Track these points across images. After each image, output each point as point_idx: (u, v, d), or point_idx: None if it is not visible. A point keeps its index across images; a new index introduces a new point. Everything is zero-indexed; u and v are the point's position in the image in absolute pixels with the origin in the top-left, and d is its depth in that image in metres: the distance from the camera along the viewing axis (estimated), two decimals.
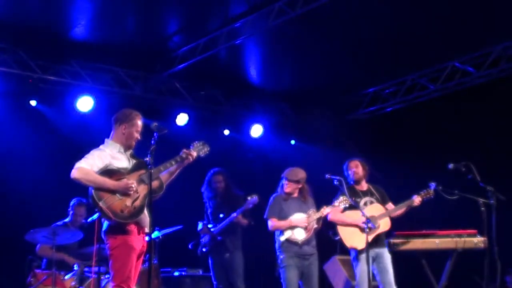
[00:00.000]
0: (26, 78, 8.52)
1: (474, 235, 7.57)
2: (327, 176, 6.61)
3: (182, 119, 9.85)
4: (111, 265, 5.00)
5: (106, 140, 5.27)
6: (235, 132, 10.62)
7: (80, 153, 5.09)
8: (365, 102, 10.53)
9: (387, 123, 10.45)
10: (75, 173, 4.92)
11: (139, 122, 5.26)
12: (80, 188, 5.06)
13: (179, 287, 8.20)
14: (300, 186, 7.04)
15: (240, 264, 7.76)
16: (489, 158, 8.50)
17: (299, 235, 6.86)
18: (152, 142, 5.05)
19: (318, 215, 6.89)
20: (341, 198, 6.85)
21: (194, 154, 5.41)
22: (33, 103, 8.84)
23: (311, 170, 7.19)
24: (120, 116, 5.27)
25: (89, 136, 6.87)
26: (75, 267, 7.07)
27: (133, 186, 4.99)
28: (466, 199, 6.78)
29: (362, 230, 6.70)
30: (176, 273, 8.27)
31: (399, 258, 7.11)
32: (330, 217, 6.96)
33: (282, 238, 6.88)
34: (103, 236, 5.10)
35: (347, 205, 6.86)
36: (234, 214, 7.68)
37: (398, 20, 7.95)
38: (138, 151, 5.30)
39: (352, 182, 7.11)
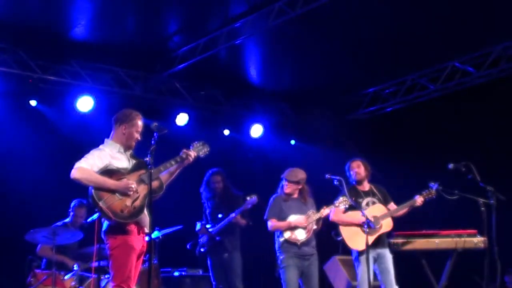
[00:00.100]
0: (26, 78, 8.52)
1: (474, 235, 7.57)
2: (327, 176, 6.61)
3: (182, 119, 9.85)
4: (111, 265, 5.00)
5: (106, 140, 5.27)
6: (235, 132, 10.62)
7: (80, 153, 5.09)
8: (365, 102, 10.53)
9: (387, 123, 10.45)
10: (75, 173, 4.92)
11: (139, 122, 5.26)
12: (80, 188, 5.06)
13: (179, 287, 8.20)
14: (300, 186, 7.04)
15: (238, 264, 7.76)
16: (489, 158, 8.50)
17: (299, 235, 6.86)
18: (152, 142, 5.06)
19: (317, 216, 6.89)
20: (341, 198, 6.84)
21: (194, 154, 5.41)
22: (33, 103, 8.84)
23: (311, 170, 7.19)
24: (120, 116, 5.28)
25: (89, 136, 6.88)
26: (75, 267, 7.07)
27: (133, 186, 4.99)
28: (466, 199, 6.78)
29: (364, 230, 6.71)
30: (176, 273, 8.27)
31: (399, 258, 7.11)
32: (331, 217, 6.96)
33: (282, 239, 6.89)
34: (103, 236, 5.10)
35: (347, 206, 6.85)
36: (233, 215, 7.68)
37: (398, 20, 7.95)
38: (138, 151, 5.30)
39: (354, 183, 7.11)
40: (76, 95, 8.94)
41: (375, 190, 7.11)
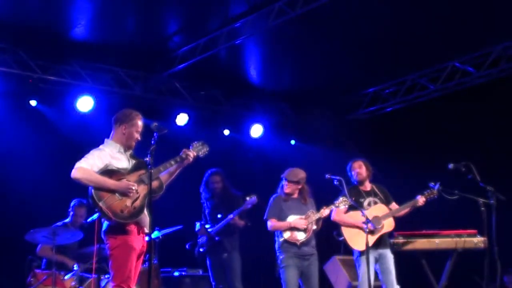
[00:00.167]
0: (26, 78, 8.52)
1: (474, 235, 7.57)
2: (327, 176, 6.61)
3: (182, 119, 9.85)
4: (111, 265, 5.00)
5: (106, 140, 5.27)
6: (235, 132, 10.61)
7: (80, 153, 5.09)
8: (365, 102, 10.53)
9: (387, 123, 10.44)
10: (75, 173, 4.92)
11: (139, 122, 5.26)
12: (80, 188, 5.06)
13: (179, 287, 8.20)
14: (300, 186, 7.04)
15: (237, 264, 7.76)
16: (489, 158, 8.50)
17: (299, 235, 6.86)
18: (152, 142, 5.06)
19: (317, 216, 6.89)
20: (341, 198, 6.84)
21: (194, 154, 5.41)
22: (33, 103, 8.84)
23: (311, 170, 7.19)
24: (120, 116, 5.28)
25: (89, 136, 6.87)
26: (75, 267, 7.07)
27: (133, 186, 4.99)
28: (466, 199, 6.78)
29: (368, 230, 6.71)
30: (176, 273, 8.28)
31: (399, 258, 7.11)
32: (333, 218, 6.97)
33: (282, 239, 6.89)
34: (103, 236, 5.10)
35: (347, 206, 6.86)
36: (231, 216, 7.68)
37: (398, 20, 7.95)
38: (138, 151, 5.30)
39: (355, 183, 7.11)
40: (76, 95, 8.94)
41: (376, 190, 7.11)
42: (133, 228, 5.02)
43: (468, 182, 6.62)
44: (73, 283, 6.96)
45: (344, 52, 8.90)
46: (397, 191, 7.31)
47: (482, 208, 6.56)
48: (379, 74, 9.75)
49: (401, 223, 7.14)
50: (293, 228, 6.87)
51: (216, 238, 7.75)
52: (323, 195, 7.09)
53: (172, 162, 5.31)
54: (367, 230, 6.51)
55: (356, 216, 6.81)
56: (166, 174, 5.33)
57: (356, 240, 6.77)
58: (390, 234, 7.18)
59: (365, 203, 6.98)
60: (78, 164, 4.97)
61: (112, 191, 4.96)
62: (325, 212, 6.90)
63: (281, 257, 6.89)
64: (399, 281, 6.89)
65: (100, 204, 4.91)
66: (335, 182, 6.60)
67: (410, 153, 9.65)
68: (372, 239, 6.77)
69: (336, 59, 9.11)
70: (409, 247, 7.52)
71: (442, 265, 7.78)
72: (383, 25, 7.99)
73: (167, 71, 9.21)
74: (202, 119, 10.20)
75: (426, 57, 9.12)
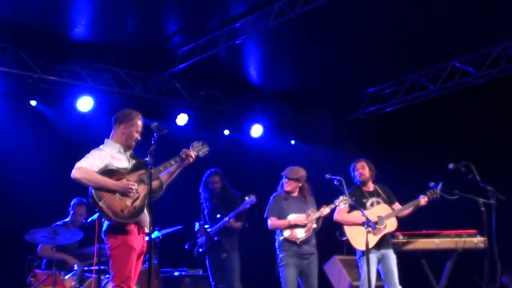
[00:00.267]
0: (26, 78, 8.52)
1: (474, 235, 7.58)
2: (327, 176, 6.60)
3: (182, 119, 9.85)
4: (111, 265, 5.00)
5: (106, 140, 5.27)
6: (235, 132, 10.62)
7: (80, 153, 5.09)
8: (365, 102, 10.53)
9: (387, 123, 10.44)
10: (75, 173, 4.92)
11: (139, 122, 5.26)
12: (80, 188, 5.06)
13: (179, 287, 8.20)
14: (300, 184, 7.04)
15: (236, 264, 7.76)
16: (489, 158, 8.50)
17: (299, 234, 6.86)
18: (152, 142, 5.06)
19: (317, 214, 6.90)
20: (341, 197, 6.85)
21: (194, 154, 5.41)
22: (33, 103, 8.84)
23: (311, 170, 7.19)
24: (120, 116, 5.27)
25: (89, 136, 6.87)
26: (75, 267, 7.07)
27: (133, 186, 4.99)
28: (466, 199, 6.78)
29: (369, 230, 6.72)
30: (176, 273, 8.28)
31: (399, 258, 7.11)
32: (335, 217, 6.97)
33: (282, 237, 6.89)
34: (103, 236, 5.10)
35: (347, 204, 6.87)
36: (226, 219, 7.68)
37: (398, 20, 7.95)
38: (138, 151, 5.30)
39: (358, 183, 7.11)
40: (76, 95, 8.94)
41: (379, 191, 7.11)
42: (133, 228, 5.02)
43: (468, 182, 6.62)
44: (73, 283, 6.96)
45: (344, 52, 8.90)
46: (397, 191, 7.31)
47: (482, 208, 6.57)
48: (379, 74, 9.75)
49: (401, 223, 7.14)
50: (293, 226, 6.87)
51: (215, 238, 7.75)
52: (323, 195, 7.08)
53: (172, 162, 5.31)
54: (368, 229, 6.51)
55: (358, 216, 6.80)
56: (166, 174, 5.33)
57: (359, 240, 6.76)
58: (391, 234, 7.18)
59: (368, 203, 6.99)
60: (78, 164, 4.97)
61: (112, 191, 4.95)
62: (325, 210, 6.90)
63: (280, 255, 6.89)
64: (399, 281, 6.89)
65: (100, 204, 4.91)
66: (335, 182, 6.59)
67: (410, 153, 9.66)
68: (374, 239, 6.77)
69: (336, 59, 9.11)
70: (409, 247, 7.53)
71: (442, 265, 7.78)
72: (383, 25, 7.99)
73: (167, 71, 9.21)
74: (202, 119, 10.20)
75: (426, 57, 9.12)
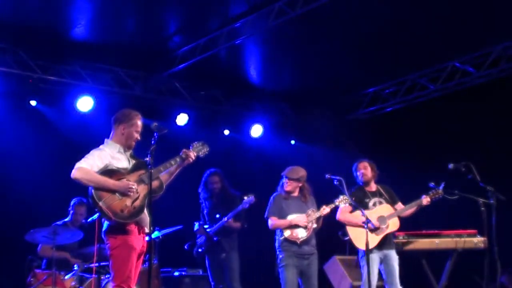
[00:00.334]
0: (26, 78, 8.52)
1: (474, 235, 7.58)
2: (327, 176, 6.60)
3: (182, 119, 9.85)
4: (112, 265, 5.00)
5: (106, 140, 5.27)
6: (235, 132, 10.62)
7: (80, 153, 5.09)
8: (365, 102, 10.53)
9: (387, 123, 10.44)
10: (75, 173, 4.92)
11: (139, 122, 5.26)
12: (80, 188, 5.07)
13: (179, 287, 8.20)
14: (300, 184, 7.04)
15: (236, 264, 7.76)
16: (489, 158, 8.49)
17: (299, 234, 6.86)
18: (152, 142, 5.06)
19: (317, 214, 6.90)
20: (341, 197, 6.85)
21: (194, 154, 5.40)
22: (33, 103, 8.84)
23: (311, 170, 7.19)
24: (120, 116, 5.27)
25: (89, 136, 6.88)
26: (75, 267, 7.07)
27: (133, 186, 4.99)
28: (466, 199, 6.78)
29: (371, 230, 6.72)
30: (176, 273, 8.28)
31: (399, 258, 7.11)
32: (338, 217, 6.97)
33: (282, 237, 6.89)
34: (103, 236, 5.10)
35: (347, 204, 6.87)
36: (225, 219, 7.67)
37: (398, 20, 7.95)
38: (138, 151, 5.30)
39: (361, 183, 7.11)
40: (76, 95, 8.94)
41: (382, 191, 7.11)
42: (133, 228, 5.02)
43: (468, 182, 6.62)
44: (73, 283, 6.95)
45: (344, 52, 8.90)
46: (397, 191, 7.30)
47: (482, 208, 6.57)
48: (379, 74, 9.75)
49: (402, 223, 7.14)
50: (293, 226, 6.87)
51: (215, 238, 7.74)
52: (323, 195, 7.08)
53: (172, 162, 5.31)
54: (367, 229, 6.51)
55: (360, 215, 6.81)
56: (166, 174, 5.33)
57: (362, 239, 6.72)
58: (392, 234, 7.17)
59: (370, 204, 6.99)
60: (78, 164, 4.97)
61: (112, 191, 4.95)
62: (325, 210, 6.90)
63: (280, 256, 6.89)
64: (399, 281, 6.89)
65: (100, 204, 4.91)
66: (335, 182, 6.59)
67: (410, 153, 9.66)
68: (377, 239, 6.77)
69: (336, 59, 9.10)
70: (409, 247, 7.53)
71: (442, 265, 7.78)
72: (383, 25, 7.99)
73: (167, 71, 9.21)
74: (202, 119, 10.20)
75: (426, 57, 9.12)
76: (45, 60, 8.61)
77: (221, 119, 10.47)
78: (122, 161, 5.16)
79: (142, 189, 5.06)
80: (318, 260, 7.03)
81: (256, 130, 10.60)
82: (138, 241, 5.06)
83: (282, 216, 6.93)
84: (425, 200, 6.93)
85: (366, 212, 6.75)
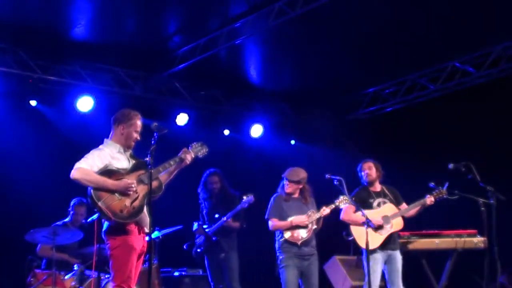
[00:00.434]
0: (26, 78, 8.52)
1: (474, 235, 7.58)
2: (327, 176, 6.60)
3: (182, 119, 9.85)
4: (112, 265, 5.00)
5: (105, 140, 5.26)
6: (235, 132, 10.62)
7: (80, 153, 5.09)
8: (365, 102, 10.53)
9: (387, 123, 10.45)
10: (74, 173, 4.92)
11: (138, 122, 5.25)
12: (80, 188, 5.06)
13: (179, 287, 8.20)
14: (301, 186, 7.03)
15: (235, 264, 7.75)
16: (489, 158, 8.50)
17: (299, 235, 6.86)
18: (152, 142, 5.05)
19: (317, 215, 6.89)
20: (341, 197, 6.85)
21: (192, 156, 5.38)
22: (33, 103, 8.84)
23: (311, 170, 7.19)
24: (119, 116, 5.27)
25: (89, 136, 6.88)
26: (75, 267, 7.07)
27: (133, 186, 4.99)
28: (466, 199, 6.78)
29: (375, 230, 6.73)
30: (176, 273, 8.28)
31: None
32: (342, 217, 6.96)
33: (282, 239, 6.89)
34: (103, 236, 5.10)
35: (347, 204, 6.87)
36: (224, 218, 7.67)
37: (398, 20, 7.95)
38: (138, 151, 5.30)
39: (365, 184, 7.11)
40: (76, 95, 8.94)
41: (386, 191, 7.11)
42: (133, 228, 5.02)
43: (468, 182, 6.62)
44: (73, 283, 6.96)
45: (344, 52, 8.90)
46: (397, 191, 7.30)
47: (482, 208, 6.57)
48: (379, 74, 9.75)
49: (403, 223, 7.13)
50: (294, 227, 6.87)
51: (214, 238, 7.73)
52: (323, 195, 7.08)
53: (172, 163, 5.31)
54: (367, 228, 6.51)
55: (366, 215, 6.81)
56: (165, 174, 5.33)
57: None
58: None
59: (375, 204, 6.98)
60: (78, 165, 4.96)
61: (111, 191, 4.95)
62: (325, 211, 6.90)
63: (281, 257, 6.89)
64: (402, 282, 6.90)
65: (99, 204, 4.91)
66: (335, 182, 6.59)
67: (410, 153, 9.66)
68: (380, 238, 6.77)
69: (336, 59, 9.10)
70: (409, 247, 7.53)
71: (442, 265, 7.78)
72: (383, 25, 7.99)
73: (167, 71, 9.21)
74: (202, 119, 10.20)
75: (426, 57, 9.12)
76: (45, 60, 8.61)
77: (221, 119, 10.47)
78: (122, 161, 5.15)
79: (141, 189, 5.06)
80: (318, 260, 7.03)
81: (256, 130, 10.60)
82: (138, 241, 5.06)
83: (283, 217, 6.92)
84: (429, 199, 6.92)
85: (370, 211, 6.77)
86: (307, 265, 6.86)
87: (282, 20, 7.59)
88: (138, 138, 5.24)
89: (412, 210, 6.97)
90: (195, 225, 7.86)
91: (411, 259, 7.58)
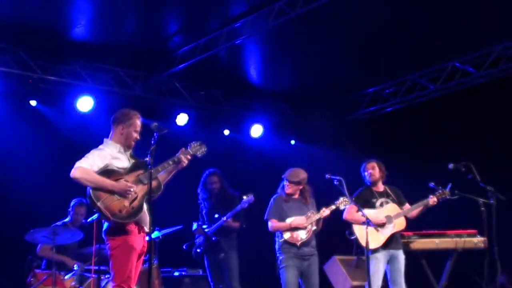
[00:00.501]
0: (26, 78, 8.52)
1: (474, 235, 7.58)
2: (327, 176, 6.60)
3: (182, 119, 9.85)
4: (112, 265, 5.00)
5: (105, 140, 5.26)
6: (235, 132, 10.61)
7: (80, 153, 5.09)
8: (365, 102, 10.53)
9: (387, 123, 10.44)
10: (74, 172, 4.92)
11: (138, 122, 5.25)
12: (80, 188, 5.06)
13: (179, 287, 8.20)
14: (301, 187, 7.03)
15: (235, 264, 7.75)
16: (489, 158, 8.49)
17: (299, 236, 6.86)
18: (152, 142, 5.05)
19: (317, 216, 6.90)
20: (341, 199, 6.85)
21: (188, 157, 5.36)
22: (33, 103, 8.84)
23: (311, 170, 7.19)
24: (118, 116, 5.27)
25: (89, 136, 6.87)
26: (75, 267, 7.07)
27: (132, 188, 4.98)
28: (466, 199, 6.78)
29: (377, 229, 6.73)
30: (176, 273, 8.28)
31: None
32: (345, 216, 6.95)
33: (282, 240, 6.89)
34: (103, 236, 5.10)
35: (347, 206, 6.87)
36: (224, 218, 7.67)
37: (398, 20, 7.95)
38: (138, 151, 5.30)
39: (369, 183, 7.11)
40: (76, 95, 8.94)
41: (389, 191, 7.11)
42: (133, 228, 5.02)
43: (468, 182, 6.62)
44: (73, 283, 6.96)
45: (344, 52, 8.90)
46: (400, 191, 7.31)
47: (482, 208, 6.57)
48: (379, 74, 9.75)
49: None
50: (293, 228, 6.87)
51: (213, 238, 7.73)
52: (324, 195, 7.08)
53: (170, 162, 5.30)
54: (367, 228, 6.51)
55: (368, 215, 6.80)
56: (164, 173, 5.32)
57: (369, 238, 6.73)
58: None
59: (377, 204, 6.98)
60: (78, 164, 4.97)
61: (110, 191, 4.95)
62: (325, 212, 6.90)
63: (280, 257, 6.89)
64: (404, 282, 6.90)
65: (99, 204, 4.91)
66: (335, 182, 6.58)
67: (410, 153, 9.65)
68: (383, 238, 6.77)
69: (336, 59, 9.10)
70: (409, 247, 7.52)
71: (442, 265, 7.78)
72: (383, 25, 7.99)
73: (167, 71, 9.21)
74: (202, 119, 10.20)
75: (426, 57, 9.12)
76: (45, 60, 8.61)
77: (221, 119, 10.47)
78: (123, 160, 5.16)
79: (140, 189, 5.06)
80: (318, 260, 7.03)
81: (256, 130, 10.59)
82: (138, 241, 5.06)
83: (282, 218, 6.92)
84: (432, 200, 6.91)
85: (373, 211, 6.78)
86: (307, 265, 6.87)
87: (282, 20, 7.59)
88: (138, 137, 5.25)
89: (414, 210, 6.96)
90: (195, 225, 7.86)
91: (411, 259, 7.57)
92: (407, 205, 7.06)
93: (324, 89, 10.13)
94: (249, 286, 8.19)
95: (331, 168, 6.85)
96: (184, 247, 8.04)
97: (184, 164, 5.35)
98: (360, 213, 6.77)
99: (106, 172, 5.02)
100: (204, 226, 7.84)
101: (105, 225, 5.08)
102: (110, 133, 5.27)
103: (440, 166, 6.88)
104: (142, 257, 5.19)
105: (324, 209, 6.91)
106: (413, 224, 7.42)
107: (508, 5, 7.42)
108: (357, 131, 10.66)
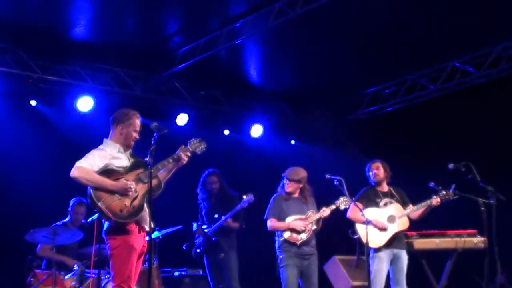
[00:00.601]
0: (26, 78, 8.52)
1: (474, 235, 7.58)
2: (327, 176, 6.60)
3: (182, 119, 9.85)
4: (112, 265, 5.00)
5: (105, 140, 5.26)
6: (235, 132, 10.61)
7: (80, 153, 5.09)
8: (365, 102, 10.53)
9: (387, 123, 10.44)
10: (74, 172, 4.92)
11: (137, 122, 5.25)
12: (80, 188, 5.07)
13: (179, 287, 8.20)
14: (301, 185, 7.04)
15: (234, 264, 7.75)
16: (489, 158, 8.49)
17: (299, 236, 6.85)
18: (152, 142, 5.06)
19: (317, 216, 6.90)
20: (341, 198, 6.85)
21: (188, 154, 5.36)
22: (33, 103, 8.84)
23: (311, 170, 7.19)
24: (118, 116, 5.27)
25: (89, 136, 6.87)
26: (75, 267, 7.07)
27: (132, 187, 4.99)
28: (466, 199, 6.78)
29: (381, 229, 6.72)
30: (176, 273, 8.28)
31: None
32: (348, 215, 6.96)
33: (281, 239, 6.89)
34: (104, 236, 5.10)
35: (347, 206, 6.87)
36: (223, 218, 7.67)
37: (398, 20, 7.95)
38: (138, 150, 5.30)
39: (373, 184, 7.11)
40: (76, 95, 8.94)
41: (393, 192, 7.12)
42: (133, 227, 5.02)
43: (468, 182, 6.62)
44: (73, 283, 6.95)
45: (344, 52, 8.90)
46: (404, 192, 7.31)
47: (482, 208, 6.56)
48: (379, 74, 9.75)
49: None
50: (292, 228, 6.87)
51: (213, 238, 7.73)
52: (323, 195, 7.08)
53: (170, 160, 5.30)
54: (367, 228, 6.51)
55: (371, 214, 6.81)
56: (164, 172, 5.32)
57: (371, 238, 6.73)
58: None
59: (381, 203, 6.99)
60: (78, 164, 4.97)
61: (110, 191, 4.95)
62: (325, 212, 6.90)
63: (280, 256, 6.89)
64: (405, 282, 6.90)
65: (99, 204, 4.91)
66: (335, 182, 6.59)
67: (410, 153, 9.65)
68: (386, 237, 6.77)
69: (336, 59, 9.10)
70: (409, 247, 7.51)
71: (442, 265, 7.78)
72: (383, 25, 7.99)
73: (167, 71, 9.21)
74: (202, 119, 10.20)
75: (426, 57, 9.12)
76: (45, 60, 8.61)
77: (221, 119, 10.47)
78: (123, 160, 5.16)
79: (140, 188, 5.06)
80: (318, 260, 7.03)
81: (256, 130, 10.59)
82: (139, 240, 5.06)
83: (282, 217, 6.92)
84: (435, 200, 6.91)
85: (376, 210, 6.80)
86: (307, 264, 6.87)
87: (282, 20, 7.59)
88: (137, 137, 5.25)
89: (418, 211, 6.97)
90: (194, 226, 7.86)
91: (411, 259, 7.57)
92: (410, 206, 7.06)
93: (324, 89, 10.13)
94: (249, 286, 8.19)
95: (331, 168, 6.85)
96: (184, 247, 8.04)
97: (184, 162, 5.34)
98: (364, 211, 6.79)
99: (106, 172, 5.02)
100: (204, 226, 7.83)
101: (106, 224, 5.08)
102: (110, 133, 5.27)
103: (440, 166, 6.88)
104: (142, 257, 5.19)
105: (324, 208, 6.91)
106: (413, 224, 7.42)
107: (508, 5, 7.42)
108: (357, 131, 10.66)
